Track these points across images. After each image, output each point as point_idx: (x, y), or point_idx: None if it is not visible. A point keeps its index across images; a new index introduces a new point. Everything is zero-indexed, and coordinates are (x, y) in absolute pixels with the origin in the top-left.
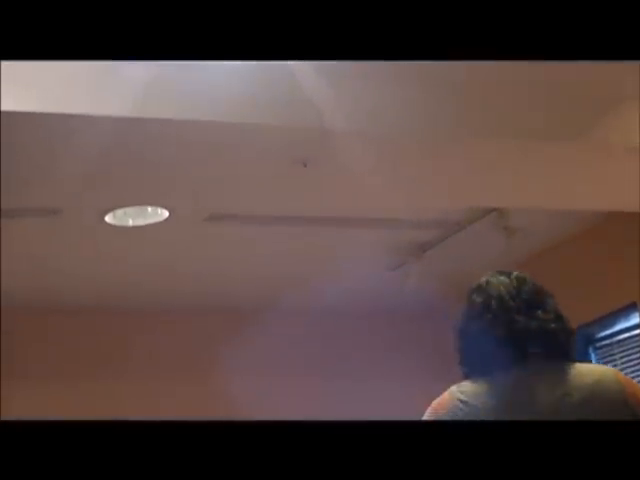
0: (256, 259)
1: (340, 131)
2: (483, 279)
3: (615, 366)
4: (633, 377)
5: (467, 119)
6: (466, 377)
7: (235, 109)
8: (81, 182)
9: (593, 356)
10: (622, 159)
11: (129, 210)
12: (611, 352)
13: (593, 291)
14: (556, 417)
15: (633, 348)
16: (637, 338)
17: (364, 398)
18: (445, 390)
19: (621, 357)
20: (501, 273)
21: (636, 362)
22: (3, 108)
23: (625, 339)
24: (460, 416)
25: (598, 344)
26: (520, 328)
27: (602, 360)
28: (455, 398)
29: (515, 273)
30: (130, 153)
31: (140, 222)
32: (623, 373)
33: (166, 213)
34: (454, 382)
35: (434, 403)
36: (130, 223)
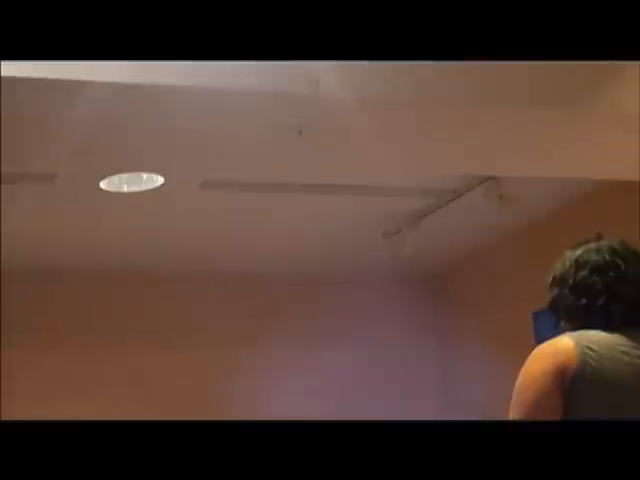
0: (251, 226)
1: (336, 98)
2: (591, 243)
3: None
4: None
5: (464, 86)
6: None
7: (231, 76)
8: (76, 148)
9: None
10: (620, 126)
11: (124, 176)
12: None
13: None
14: None
15: None
16: None
17: (361, 364)
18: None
19: None
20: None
21: None
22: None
23: None
24: (591, 365)
25: None
26: None
27: None
28: (583, 345)
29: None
30: (125, 120)
31: (135, 188)
32: None
33: (161, 180)
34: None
35: (547, 351)
36: (125, 189)
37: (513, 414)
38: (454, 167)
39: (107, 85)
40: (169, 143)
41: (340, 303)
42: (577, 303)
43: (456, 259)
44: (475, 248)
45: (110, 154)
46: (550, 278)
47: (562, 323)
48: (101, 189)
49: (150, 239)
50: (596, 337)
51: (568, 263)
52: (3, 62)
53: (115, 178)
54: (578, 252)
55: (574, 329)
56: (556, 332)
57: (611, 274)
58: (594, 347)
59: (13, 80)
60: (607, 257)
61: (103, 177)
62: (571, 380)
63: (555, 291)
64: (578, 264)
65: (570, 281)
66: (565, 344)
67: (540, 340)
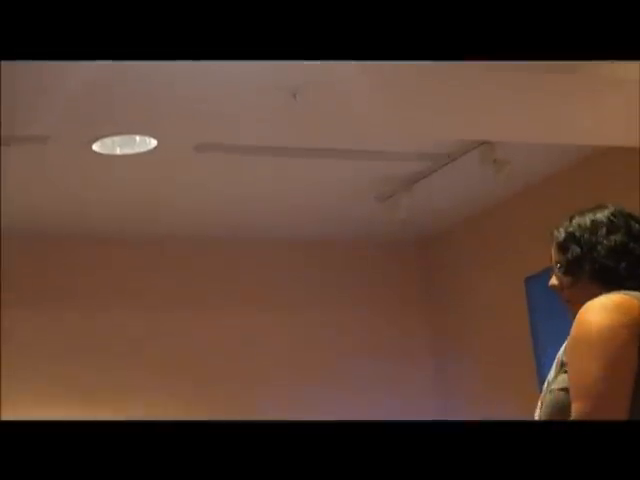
0: (244, 189)
1: (330, 62)
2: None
3: None
4: None
5: None
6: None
7: None
8: (69, 111)
9: None
10: (616, 92)
11: (117, 139)
12: None
13: None
14: None
15: None
16: None
17: (351, 328)
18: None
19: None
20: None
21: None
22: None
23: None
24: None
25: None
26: None
27: None
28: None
29: None
30: (119, 82)
31: (128, 151)
32: None
33: (154, 142)
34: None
35: (616, 306)
36: (118, 152)
37: (587, 371)
38: (450, 132)
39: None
40: (163, 106)
41: (333, 266)
42: (616, 266)
43: (450, 223)
44: (469, 213)
45: (103, 116)
46: (562, 236)
47: (578, 284)
48: (94, 151)
49: (143, 202)
50: None
51: (589, 224)
52: None
53: (108, 140)
54: (600, 215)
55: (606, 290)
56: (552, 295)
57: None
58: None
59: None
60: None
61: (96, 139)
62: None
63: (575, 251)
64: (609, 226)
65: (605, 243)
66: (630, 301)
67: (533, 305)
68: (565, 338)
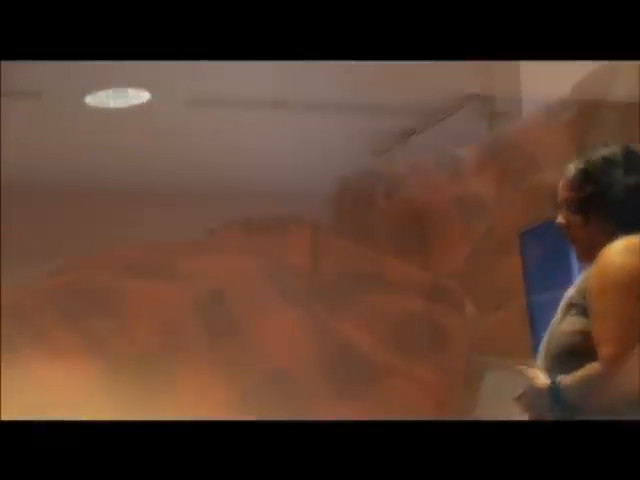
0: (239, 144)
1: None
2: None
3: None
4: None
5: None
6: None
7: None
8: (61, 64)
9: None
10: None
11: (110, 92)
12: None
13: None
14: None
15: None
16: None
17: (345, 277)
18: None
19: None
20: None
21: None
22: None
23: None
24: None
25: None
26: None
27: None
28: None
29: None
30: None
31: (121, 104)
32: None
33: (147, 95)
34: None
35: (632, 246)
36: (111, 105)
37: (618, 314)
38: (443, 85)
39: None
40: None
41: (327, 221)
42: (633, 206)
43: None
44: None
45: (96, 69)
46: (574, 173)
47: (589, 224)
48: (87, 104)
49: (136, 156)
50: None
51: (603, 162)
52: None
53: (101, 93)
54: (614, 152)
55: (620, 231)
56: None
57: None
58: None
59: None
60: None
61: (89, 92)
62: None
63: (589, 189)
64: (625, 165)
65: (622, 182)
66: None
67: (528, 262)
68: (561, 282)
